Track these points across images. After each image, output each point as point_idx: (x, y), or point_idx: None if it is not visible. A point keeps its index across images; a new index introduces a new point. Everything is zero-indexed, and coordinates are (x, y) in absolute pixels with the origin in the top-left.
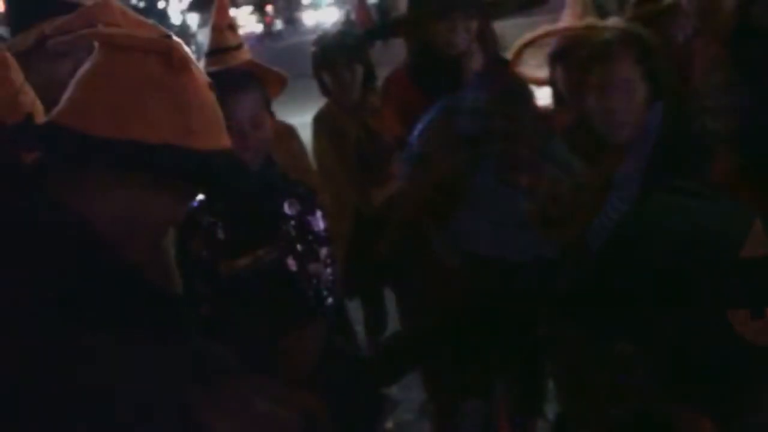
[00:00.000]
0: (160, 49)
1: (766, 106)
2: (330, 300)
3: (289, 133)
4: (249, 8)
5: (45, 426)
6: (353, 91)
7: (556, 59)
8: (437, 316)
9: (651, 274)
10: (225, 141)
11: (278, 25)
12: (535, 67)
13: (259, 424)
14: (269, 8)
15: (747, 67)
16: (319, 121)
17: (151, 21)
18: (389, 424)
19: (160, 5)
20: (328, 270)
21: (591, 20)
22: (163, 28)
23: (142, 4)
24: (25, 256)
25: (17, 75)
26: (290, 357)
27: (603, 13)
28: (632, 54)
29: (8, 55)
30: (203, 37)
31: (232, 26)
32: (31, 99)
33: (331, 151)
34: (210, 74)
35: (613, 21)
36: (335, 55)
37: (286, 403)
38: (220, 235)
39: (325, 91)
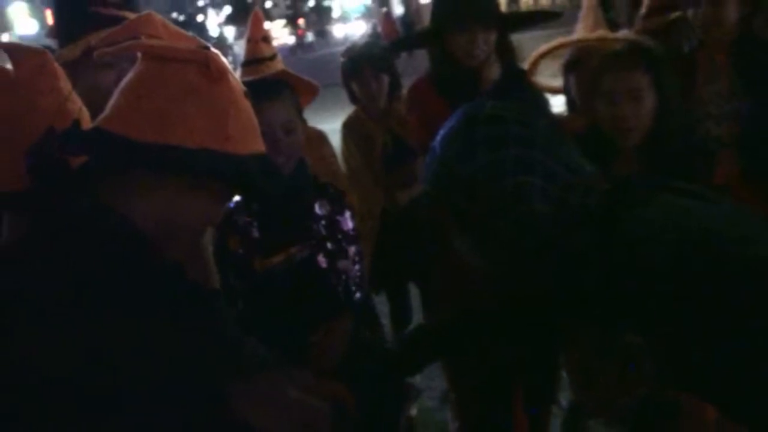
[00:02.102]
0: (199, 60)
1: (766, 113)
2: (358, 295)
3: (319, 138)
4: (282, 21)
5: (90, 412)
6: (380, 99)
7: (569, 69)
8: (458, 312)
9: (655, 272)
10: (260, 146)
11: (309, 37)
12: (549, 76)
13: (291, 413)
14: (301, 21)
15: (748, 76)
16: (347, 128)
17: (190, 33)
18: (413, 411)
19: (199, 18)
20: (356, 267)
21: (602, 32)
22: (202, 40)
23: (182, 18)
24: (71, 256)
25: (65, 84)
26: (320, 348)
27: (613, 26)
28: (641, 64)
29: (57, 65)
30: (239, 48)
31: (267, 38)
32: (78, 106)
33: (359, 155)
34: (246, 83)
35: (623, 33)
36: (363, 66)
37: (316, 393)
38: (255, 234)
39: (353, 99)
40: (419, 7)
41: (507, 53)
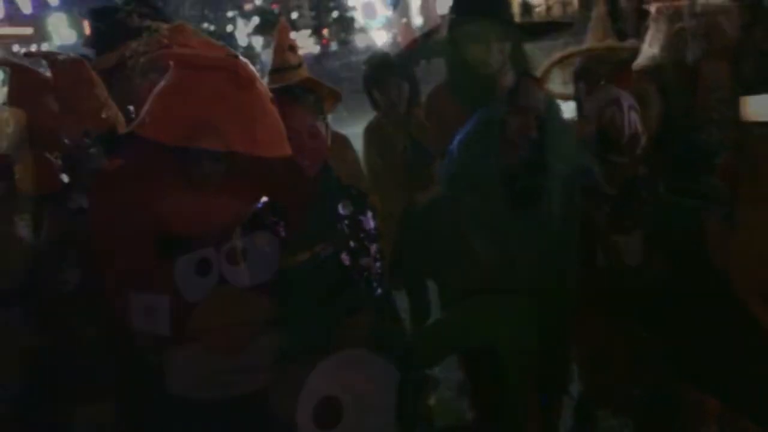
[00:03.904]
0: (228, 68)
1: None
2: (379, 291)
3: (343, 142)
4: (307, 31)
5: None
6: (400, 106)
7: (579, 76)
8: (473, 308)
9: (661, 271)
10: (286, 149)
11: (333, 46)
12: (561, 84)
13: (315, 402)
14: (325, 31)
15: (748, 83)
16: (369, 132)
17: (220, 43)
18: (431, 401)
19: (228, 29)
20: (378, 264)
21: (611, 42)
22: (231, 49)
23: (212, 28)
24: None
25: (102, 91)
26: (344, 341)
27: (621, 36)
28: (647, 71)
29: (94, 73)
30: (266, 57)
31: (293, 47)
32: (114, 112)
33: (380, 158)
34: (273, 90)
35: (630, 42)
36: (384, 74)
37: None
38: (282, 233)
39: (375, 105)
40: (438, 18)
41: (520, 62)
